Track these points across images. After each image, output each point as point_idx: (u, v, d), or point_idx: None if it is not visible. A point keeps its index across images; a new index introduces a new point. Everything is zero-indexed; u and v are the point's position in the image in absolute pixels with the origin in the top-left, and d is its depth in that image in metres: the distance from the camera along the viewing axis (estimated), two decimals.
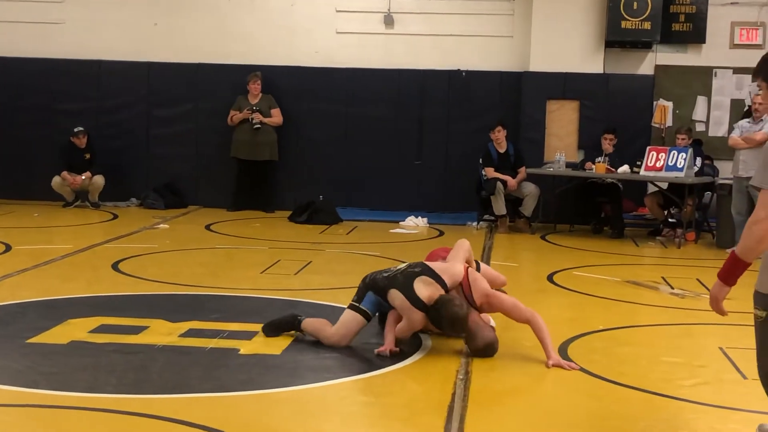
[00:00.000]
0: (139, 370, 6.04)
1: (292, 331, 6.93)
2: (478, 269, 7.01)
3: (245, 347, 6.56)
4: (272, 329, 6.96)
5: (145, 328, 6.99)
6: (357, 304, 6.76)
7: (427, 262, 6.84)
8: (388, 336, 6.64)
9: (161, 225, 12.63)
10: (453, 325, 6.39)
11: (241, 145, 14.02)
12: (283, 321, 6.98)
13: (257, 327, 7.08)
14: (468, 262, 6.90)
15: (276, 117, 14.07)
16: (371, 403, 5.62)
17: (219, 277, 9.21)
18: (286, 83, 14.31)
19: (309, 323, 6.91)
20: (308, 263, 10.05)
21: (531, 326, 6.51)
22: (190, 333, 6.89)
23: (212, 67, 14.47)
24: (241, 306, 8.03)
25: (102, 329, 6.92)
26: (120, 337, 6.71)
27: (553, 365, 6.33)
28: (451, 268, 6.68)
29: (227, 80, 14.32)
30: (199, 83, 14.53)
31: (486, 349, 6.51)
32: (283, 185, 14.34)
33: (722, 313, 4.34)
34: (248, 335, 6.86)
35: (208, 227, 12.60)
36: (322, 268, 9.92)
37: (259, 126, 13.83)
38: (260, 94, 14.10)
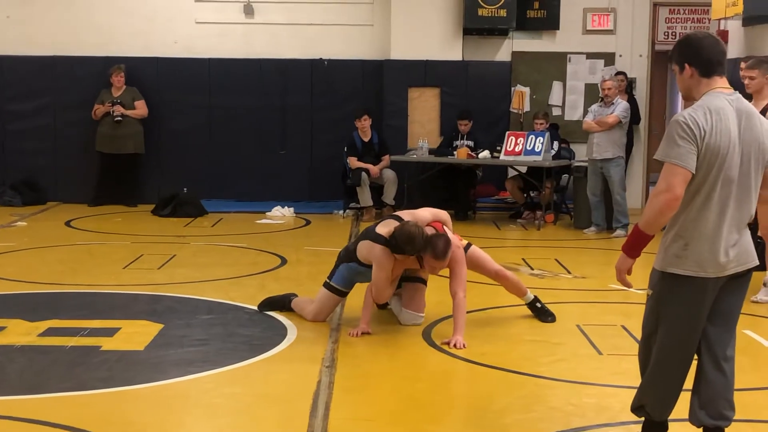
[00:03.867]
0: None
1: (284, 311, 7.40)
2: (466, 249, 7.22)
3: (107, 344, 6.48)
4: (266, 305, 7.44)
5: (2, 328, 6.81)
6: (328, 281, 7.15)
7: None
8: (362, 318, 6.86)
9: (19, 222, 12.27)
10: (411, 242, 6.66)
11: (104, 139, 13.73)
12: (278, 300, 7.47)
13: (120, 323, 7.02)
14: (444, 222, 7.11)
15: (140, 109, 13.81)
16: (236, 394, 5.61)
17: (80, 274, 9.03)
18: (146, 74, 14.05)
19: (295, 302, 7.37)
20: (172, 257, 9.94)
21: (454, 301, 6.77)
22: (50, 332, 6.76)
23: (69, 59, 14.09)
24: (103, 303, 7.90)
25: None
26: None
27: (449, 343, 6.54)
28: (417, 213, 7.08)
29: (86, 72, 13.98)
30: (57, 76, 14.13)
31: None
32: (146, 178, 14.10)
33: (626, 284, 4.41)
34: (110, 332, 6.77)
35: (68, 223, 12.31)
36: (186, 261, 9.82)
37: (120, 119, 13.57)
38: (124, 87, 13.81)
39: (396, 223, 6.87)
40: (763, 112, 8.06)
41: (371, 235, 6.94)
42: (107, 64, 13.83)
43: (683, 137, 4.15)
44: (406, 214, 7.09)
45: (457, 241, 7.03)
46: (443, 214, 7.28)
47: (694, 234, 4.22)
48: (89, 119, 13.80)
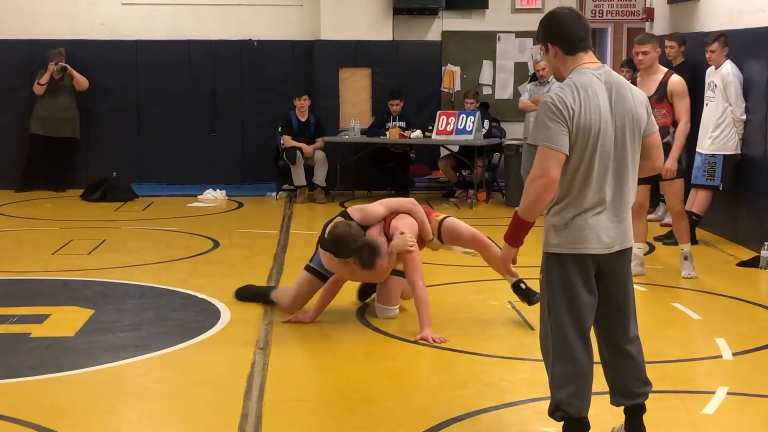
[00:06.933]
0: None
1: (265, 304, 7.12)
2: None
3: (36, 331, 6.39)
4: (242, 295, 7.17)
5: None
6: (309, 263, 6.83)
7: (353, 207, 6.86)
8: (315, 307, 6.66)
9: None
10: (338, 245, 6.30)
11: (42, 122, 13.47)
12: (257, 292, 7.17)
13: (49, 310, 6.92)
14: (408, 212, 6.71)
15: (82, 81, 13.54)
16: (169, 378, 5.58)
17: (7, 261, 8.86)
18: (72, 57, 13.71)
19: (275, 293, 7.07)
20: (102, 242, 9.81)
21: (414, 292, 6.46)
22: None
23: None
24: (32, 289, 7.78)
25: None
26: None
27: (421, 339, 6.23)
28: (367, 208, 6.67)
29: (9, 57, 13.68)
30: None
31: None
32: (76, 163, 13.88)
33: (512, 274, 4.35)
34: (40, 319, 6.67)
35: None
36: (116, 246, 9.70)
37: (64, 67, 13.25)
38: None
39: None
40: (664, 85, 8.08)
41: (320, 242, 6.64)
42: (32, 47, 13.57)
43: (553, 119, 4.06)
44: (355, 211, 6.68)
45: (413, 227, 6.66)
46: (406, 203, 6.82)
47: (574, 213, 4.16)
48: (15, 104, 13.57)
